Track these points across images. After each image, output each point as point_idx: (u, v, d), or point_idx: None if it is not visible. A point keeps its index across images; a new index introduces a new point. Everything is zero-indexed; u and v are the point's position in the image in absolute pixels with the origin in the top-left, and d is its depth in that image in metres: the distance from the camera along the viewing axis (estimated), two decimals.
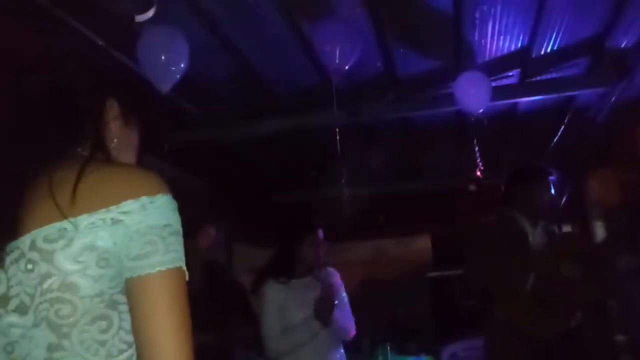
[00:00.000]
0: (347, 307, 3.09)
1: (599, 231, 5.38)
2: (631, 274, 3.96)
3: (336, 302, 2.93)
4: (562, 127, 5.09)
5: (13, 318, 0.93)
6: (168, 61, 2.77)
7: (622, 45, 3.71)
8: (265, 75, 3.88)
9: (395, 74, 3.97)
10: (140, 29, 2.77)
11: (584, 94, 4.38)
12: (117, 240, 0.93)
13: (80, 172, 0.96)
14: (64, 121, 1.08)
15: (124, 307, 0.94)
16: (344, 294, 3.10)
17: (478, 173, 4.53)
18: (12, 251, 0.94)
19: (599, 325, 2.81)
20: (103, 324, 0.93)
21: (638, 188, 4.48)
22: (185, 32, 2.85)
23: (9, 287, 0.93)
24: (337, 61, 3.10)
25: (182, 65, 2.85)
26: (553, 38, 3.61)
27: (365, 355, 4.72)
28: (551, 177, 2.98)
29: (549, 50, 3.76)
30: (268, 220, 5.30)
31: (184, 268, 0.96)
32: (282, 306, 2.89)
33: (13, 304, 0.93)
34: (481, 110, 3.74)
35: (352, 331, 3.08)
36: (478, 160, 4.44)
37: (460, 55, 3.73)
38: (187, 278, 0.96)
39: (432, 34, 3.53)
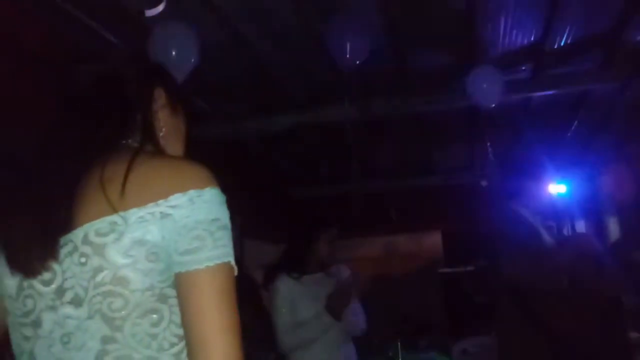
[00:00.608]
0: (358, 303, 3.09)
1: (613, 227, 5.34)
2: None
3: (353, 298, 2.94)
4: (576, 122, 5.04)
5: (68, 310, 0.94)
6: (178, 56, 2.76)
7: (637, 39, 3.67)
8: (277, 70, 3.87)
9: (407, 68, 3.95)
10: (151, 24, 2.76)
11: (598, 89, 4.33)
12: (166, 234, 0.93)
13: (130, 164, 0.96)
14: (114, 112, 1.08)
15: (174, 301, 0.94)
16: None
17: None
18: (66, 244, 0.95)
19: (614, 323, 2.78)
20: (154, 317, 0.93)
21: None
22: (195, 26, 2.85)
23: (64, 280, 0.95)
24: (348, 56, 3.09)
25: (193, 61, 2.84)
26: (567, 32, 3.57)
27: (375, 351, 4.71)
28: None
29: (562, 44, 3.72)
30: (278, 216, 5.30)
31: (233, 263, 0.95)
32: (294, 301, 2.89)
33: (68, 296, 0.94)
34: (493, 105, 3.71)
35: (364, 326, 3.08)
36: (490, 155, 4.42)
37: (472, 50, 3.70)
38: (235, 273, 0.96)
39: (445, 28, 3.50)
